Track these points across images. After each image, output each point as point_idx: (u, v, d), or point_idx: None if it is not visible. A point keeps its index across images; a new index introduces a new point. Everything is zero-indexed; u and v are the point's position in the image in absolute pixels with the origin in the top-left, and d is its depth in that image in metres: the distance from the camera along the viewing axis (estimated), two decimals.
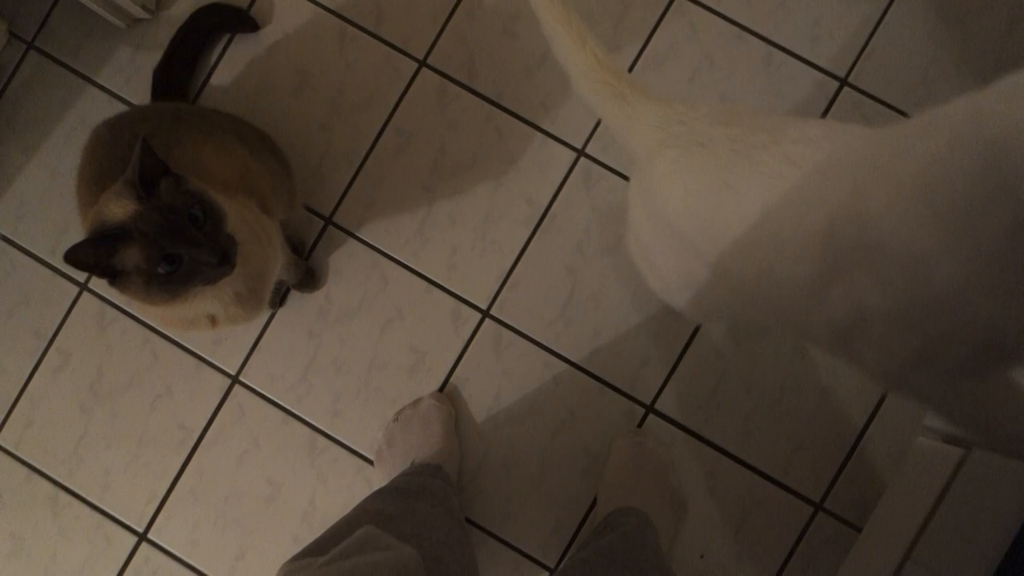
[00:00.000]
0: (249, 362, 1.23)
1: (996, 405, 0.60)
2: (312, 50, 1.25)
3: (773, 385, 1.17)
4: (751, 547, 1.16)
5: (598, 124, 1.22)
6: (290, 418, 1.22)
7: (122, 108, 1.25)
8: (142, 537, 1.22)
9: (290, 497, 1.21)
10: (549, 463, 1.19)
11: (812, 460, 1.16)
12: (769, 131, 0.64)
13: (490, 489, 1.19)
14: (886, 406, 1.16)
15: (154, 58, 1.22)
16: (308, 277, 1.20)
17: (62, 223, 1.25)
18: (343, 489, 1.21)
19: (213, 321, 0.89)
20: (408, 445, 1.14)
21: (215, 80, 1.26)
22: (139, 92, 1.26)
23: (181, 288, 0.76)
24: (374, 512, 0.87)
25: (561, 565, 1.17)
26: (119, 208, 0.73)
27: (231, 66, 1.26)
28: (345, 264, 1.23)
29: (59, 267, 1.25)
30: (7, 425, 1.24)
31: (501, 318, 1.21)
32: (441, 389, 1.21)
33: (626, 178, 1.21)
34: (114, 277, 0.75)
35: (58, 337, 1.25)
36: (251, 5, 1.26)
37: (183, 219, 0.74)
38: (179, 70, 1.22)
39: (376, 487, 1.07)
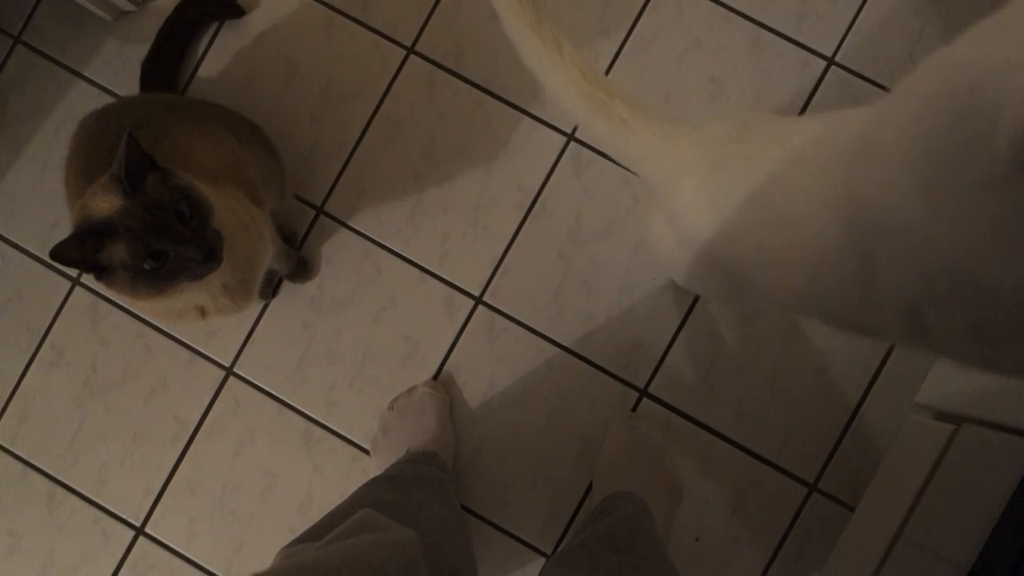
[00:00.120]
0: (243, 354, 1.23)
1: None
2: (300, 39, 1.25)
3: (766, 366, 1.18)
4: (746, 529, 1.17)
5: None
6: (285, 409, 1.22)
7: (111, 101, 1.25)
8: (139, 531, 1.22)
9: (286, 488, 1.21)
10: (544, 449, 1.19)
11: (806, 441, 1.17)
12: (778, 139, 0.62)
13: (486, 476, 1.19)
14: (879, 385, 1.16)
15: (142, 50, 1.22)
16: (300, 267, 1.20)
17: (53, 218, 1.25)
18: (339, 479, 1.21)
19: (202, 312, 0.89)
20: (403, 433, 1.15)
21: (203, 71, 1.25)
22: (127, 85, 1.26)
23: (167, 284, 0.76)
24: (370, 500, 0.87)
25: (558, 550, 1.17)
26: (105, 203, 0.73)
27: (219, 57, 1.25)
28: (337, 254, 1.23)
29: (51, 262, 1.25)
30: (2, 422, 1.24)
31: (494, 304, 1.21)
32: (435, 377, 1.21)
33: (616, 162, 1.21)
34: (101, 272, 0.75)
35: (51, 332, 1.24)
36: None
37: (169, 215, 0.74)
38: (167, 62, 1.22)
39: (372, 476, 1.07)
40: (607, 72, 1.23)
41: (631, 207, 1.21)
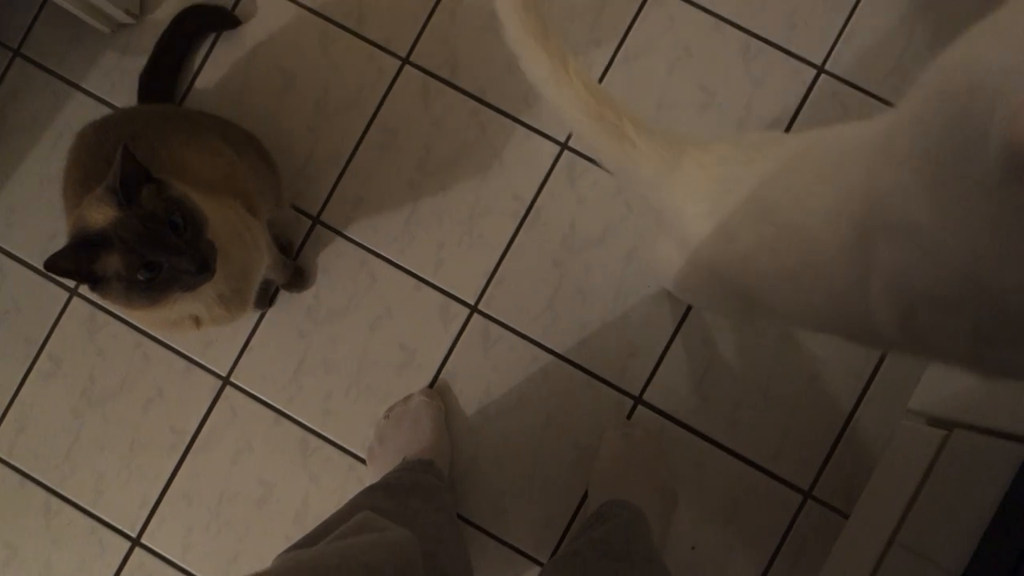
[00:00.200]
0: (240, 363, 1.23)
1: None
2: (295, 50, 1.26)
3: (760, 373, 1.18)
4: (742, 537, 1.17)
5: None
6: (281, 418, 1.22)
7: (109, 112, 1.26)
8: (136, 542, 1.22)
9: (283, 498, 1.21)
10: (540, 456, 1.19)
11: (800, 447, 1.17)
12: (786, 158, 0.61)
13: (482, 484, 1.19)
14: (872, 391, 1.16)
15: (140, 62, 1.23)
16: (297, 277, 1.21)
17: (51, 229, 1.26)
18: (335, 488, 1.21)
19: (197, 322, 0.89)
20: (399, 442, 1.15)
21: (200, 83, 1.26)
22: (125, 97, 1.27)
23: (161, 294, 0.77)
24: (366, 508, 0.87)
25: (553, 556, 1.17)
26: (100, 214, 0.74)
27: (216, 68, 1.27)
28: (333, 263, 1.24)
29: (48, 273, 1.25)
30: None
31: (489, 313, 1.22)
32: (431, 385, 1.22)
33: (609, 172, 1.21)
34: (95, 283, 0.75)
35: (49, 343, 1.25)
36: (235, 7, 1.26)
37: (163, 226, 0.75)
38: (165, 73, 1.23)
39: (368, 485, 1.07)
40: (599, 81, 1.24)
41: (624, 215, 1.21)
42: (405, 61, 1.25)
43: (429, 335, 1.22)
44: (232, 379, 1.23)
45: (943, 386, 1.01)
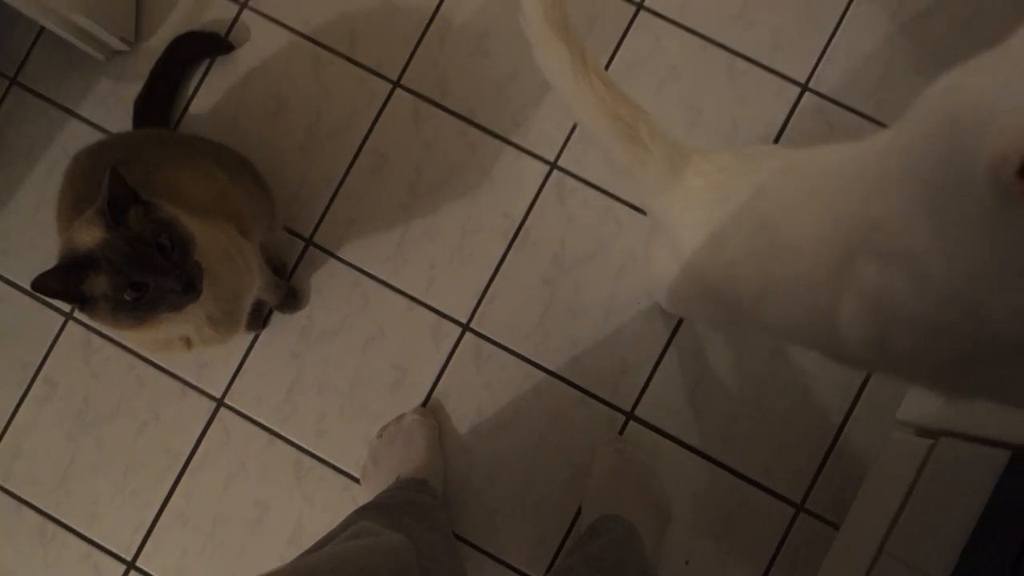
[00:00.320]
0: (234, 385, 1.24)
1: None
2: (288, 75, 1.28)
3: (751, 388, 1.19)
4: (735, 551, 1.17)
5: (569, 137, 1.24)
6: (275, 439, 1.23)
7: (104, 137, 1.27)
8: (131, 565, 1.22)
9: (277, 518, 1.22)
10: (533, 474, 1.20)
11: (792, 461, 1.17)
12: (784, 171, 0.62)
13: (475, 502, 1.20)
14: (862, 403, 1.17)
15: (134, 89, 1.25)
16: (290, 298, 1.22)
17: (46, 255, 1.24)
18: (329, 508, 1.21)
19: (188, 343, 0.90)
20: (393, 461, 1.15)
21: (194, 108, 1.28)
22: (121, 123, 1.28)
23: (147, 315, 0.78)
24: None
25: (547, 573, 1.17)
26: (88, 236, 0.75)
27: (210, 94, 1.28)
28: (326, 284, 1.25)
29: (44, 298, 1.26)
30: None
31: (481, 331, 1.23)
32: (424, 404, 1.22)
33: (599, 189, 1.23)
34: (83, 303, 0.76)
35: (44, 367, 1.26)
36: (228, 33, 1.29)
37: (150, 248, 0.76)
38: (160, 99, 1.25)
39: (362, 504, 1.08)
40: None
41: (614, 233, 1.23)
42: (396, 84, 1.27)
43: (421, 354, 1.23)
44: (226, 400, 1.24)
45: (931, 396, 1.01)
